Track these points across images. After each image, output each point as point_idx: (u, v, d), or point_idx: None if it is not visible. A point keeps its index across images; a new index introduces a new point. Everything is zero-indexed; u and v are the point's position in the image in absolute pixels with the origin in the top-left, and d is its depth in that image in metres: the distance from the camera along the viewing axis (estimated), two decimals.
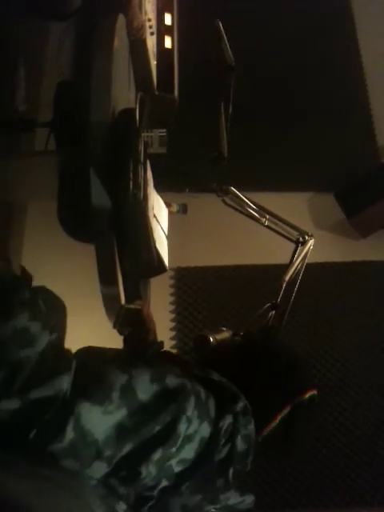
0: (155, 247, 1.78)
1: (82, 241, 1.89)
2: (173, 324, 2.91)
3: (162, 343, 1.54)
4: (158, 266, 1.81)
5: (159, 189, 2.12)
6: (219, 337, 1.38)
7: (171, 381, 0.96)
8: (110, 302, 1.73)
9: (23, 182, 2.15)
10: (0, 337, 0.85)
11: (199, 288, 3.00)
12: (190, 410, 0.94)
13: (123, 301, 1.77)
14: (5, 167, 2.07)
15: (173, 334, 2.88)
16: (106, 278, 1.66)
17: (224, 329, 1.45)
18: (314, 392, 1.14)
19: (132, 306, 1.47)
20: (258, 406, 1.06)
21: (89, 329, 1.76)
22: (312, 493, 2.62)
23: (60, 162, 1.99)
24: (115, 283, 1.68)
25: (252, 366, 1.17)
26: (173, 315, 2.93)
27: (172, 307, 2.95)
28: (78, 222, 1.87)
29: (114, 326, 1.48)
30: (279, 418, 1.09)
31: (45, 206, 2.26)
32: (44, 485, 0.78)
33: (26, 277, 1.00)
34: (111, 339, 1.41)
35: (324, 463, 2.67)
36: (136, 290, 1.92)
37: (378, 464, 2.69)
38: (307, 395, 1.12)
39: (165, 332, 2.75)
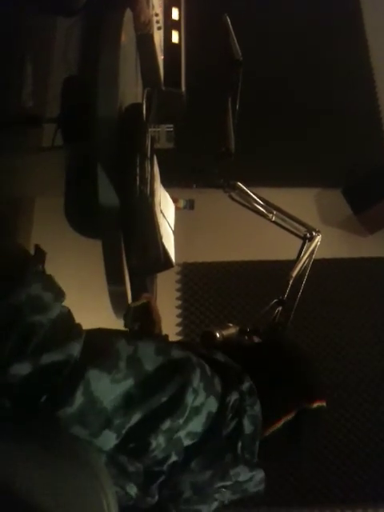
0: (162, 243, 1.78)
1: (89, 237, 1.90)
2: (179, 320, 2.91)
3: (166, 337, 1.55)
4: (164, 262, 1.81)
5: (166, 184, 2.12)
6: (226, 333, 1.37)
7: (176, 353, 0.98)
8: (116, 297, 1.73)
9: (30, 178, 2.16)
10: (14, 301, 0.86)
11: (205, 284, 3.00)
12: (196, 381, 0.95)
13: (130, 297, 1.77)
14: (12, 163, 2.08)
15: (179, 329, 2.88)
16: (113, 274, 1.66)
17: (230, 325, 1.44)
18: (323, 403, 1.11)
19: (139, 303, 1.48)
20: (263, 404, 1.05)
21: (96, 325, 1.76)
22: (317, 490, 2.62)
23: (67, 158, 1.99)
24: (122, 279, 1.68)
25: (263, 363, 1.16)
26: (179, 311, 2.93)
27: (178, 303, 2.95)
28: (84, 217, 1.87)
29: (125, 326, 1.49)
30: (283, 420, 1.07)
31: (52, 202, 2.26)
32: (54, 475, 0.78)
33: (41, 254, 1.02)
34: None
35: (330, 459, 2.67)
36: (143, 286, 1.92)
37: (382, 462, 2.69)
38: (315, 405, 1.10)
39: (171, 327, 2.76)
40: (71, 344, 0.87)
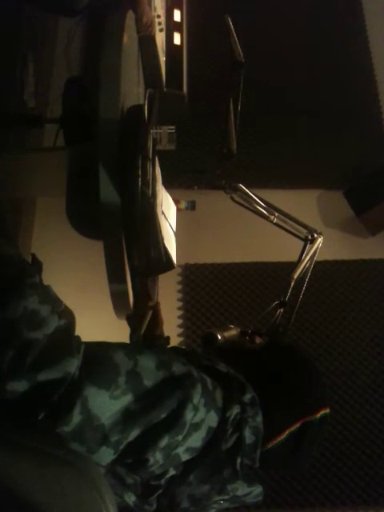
0: (163, 244, 1.78)
1: (90, 237, 1.89)
2: (180, 321, 2.91)
3: (168, 338, 1.55)
4: (166, 263, 1.81)
5: (168, 185, 2.12)
6: (227, 334, 1.37)
7: (177, 368, 0.97)
8: (118, 297, 1.73)
9: (32, 178, 2.16)
10: (10, 317, 0.85)
11: (207, 285, 3.00)
12: (197, 397, 0.94)
13: (131, 297, 1.77)
14: (14, 163, 2.08)
15: (180, 330, 2.88)
16: (115, 276, 1.65)
17: (232, 326, 1.44)
18: (326, 410, 1.11)
19: (148, 318, 1.49)
20: (266, 416, 1.04)
21: (96, 327, 1.76)
22: (318, 491, 2.62)
23: (69, 159, 1.99)
24: (124, 281, 1.67)
25: (266, 371, 1.15)
26: (180, 312, 2.93)
27: (179, 304, 2.95)
28: (86, 218, 1.87)
29: (132, 332, 1.50)
30: (287, 432, 1.06)
31: (53, 202, 2.26)
32: (52, 470, 0.78)
33: (37, 263, 1.00)
34: (118, 337, 1.42)
35: (331, 461, 2.67)
36: (144, 287, 1.92)
37: (383, 463, 2.69)
38: (319, 414, 1.09)
39: (172, 328, 2.76)
40: (68, 360, 0.85)
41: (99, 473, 0.85)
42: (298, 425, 1.06)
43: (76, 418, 0.83)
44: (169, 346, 1.56)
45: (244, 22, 2.34)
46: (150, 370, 0.93)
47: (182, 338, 2.86)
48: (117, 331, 1.53)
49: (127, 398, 0.89)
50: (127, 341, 1.50)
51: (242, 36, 1.96)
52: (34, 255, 1.02)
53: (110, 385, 0.88)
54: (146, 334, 1.49)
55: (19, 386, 0.81)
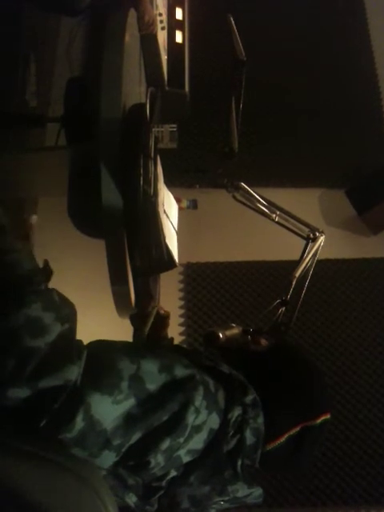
0: (165, 243, 1.78)
1: (92, 236, 1.90)
2: (182, 319, 2.91)
3: (172, 340, 1.55)
4: (167, 262, 1.81)
5: (169, 184, 2.12)
6: (229, 333, 1.37)
7: (180, 371, 0.97)
8: (120, 297, 1.73)
9: (33, 178, 2.16)
10: (12, 325, 0.85)
11: (208, 284, 3.00)
12: (199, 400, 0.94)
13: (133, 297, 1.77)
14: (15, 163, 2.08)
15: (182, 329, 2.88)
16: (117, 275, 1.65)
17: (233, 325, 1.44)
18: (327, 416, 1.10)
19: (151, 319, 1.49)
20: (267, 417, 1.04)
21: (99, 325, 1.76)
22: (319, 490, 2.62)
23: (70, 158, 1.99)
24: (126, 280, 1.67)
25: (268, 372, 1.15)
26: (182, 311, 2.93)
27: (181, 303, 2.96)
28: (87, 217, 1.87)
29: (136, 332, 1.50)
30: (287, 436, 1.06)
31: (55, 202, 2.26)
32: (52, 475, 0.78)
33: (47, 271, 1.00)
34: (121, 335, 1.42)
35: (333, 460, 2.67)
36: (146, 286, 1.92)
37: None
38: (319, 420, 1.09)
39: (174, 327, 2.74)
40: (69, 368, 0.85)
41: (100, 477, 0.86)
42: (297, 429, 1.06)
43: (79, 424, 0.83)
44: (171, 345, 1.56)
45: (244, 21, 2.33)
46: (152, 374, 0.93)
47: (183, 337, 2.86)
48: (120, 330, 1.54)
49: (130, 403, 0.89)
50: (130, 339, 1.50)
51: (243, 35, 1.96)
52: (46, 261, 1.02)
53: (113, 390, 0.87)
54: (151, 334, 1.49)
55: (20, 392, 0.81)
